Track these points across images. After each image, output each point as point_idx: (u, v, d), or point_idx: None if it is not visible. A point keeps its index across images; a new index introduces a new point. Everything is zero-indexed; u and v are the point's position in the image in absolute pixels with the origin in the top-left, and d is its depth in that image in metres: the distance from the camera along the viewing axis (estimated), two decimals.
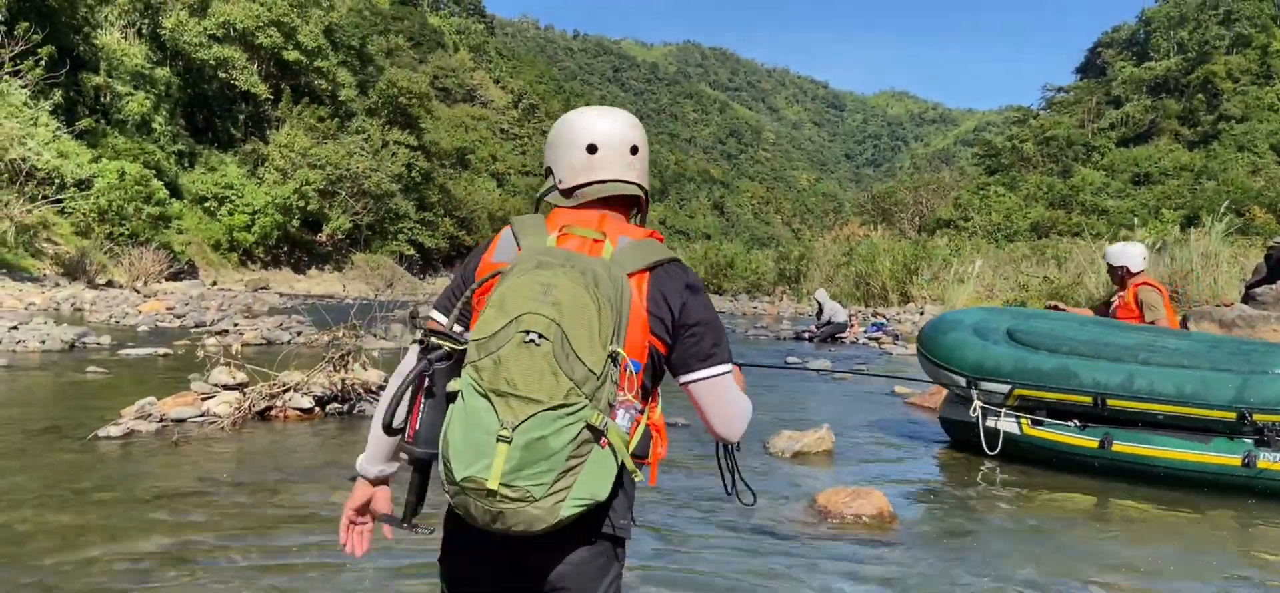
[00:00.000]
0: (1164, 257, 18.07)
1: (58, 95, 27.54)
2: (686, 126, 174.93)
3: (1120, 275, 6.01)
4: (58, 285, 20.60)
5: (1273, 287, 10.79)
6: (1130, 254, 6.02)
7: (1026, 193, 66.04)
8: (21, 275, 21.22)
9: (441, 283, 46.44)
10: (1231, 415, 4.36)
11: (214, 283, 29.33)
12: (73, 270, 23.70)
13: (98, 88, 31.45)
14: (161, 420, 5.17)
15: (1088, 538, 3.72)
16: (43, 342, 8.98)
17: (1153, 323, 5.65)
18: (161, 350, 8.99)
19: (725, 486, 1.88)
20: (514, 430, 1.34)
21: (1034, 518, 4.03)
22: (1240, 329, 9.12)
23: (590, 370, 1.37)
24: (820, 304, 15.28)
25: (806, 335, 14.82)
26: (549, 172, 1.67)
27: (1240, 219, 33.39)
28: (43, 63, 26.52)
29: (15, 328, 9.55)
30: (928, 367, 5.44)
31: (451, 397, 1.40)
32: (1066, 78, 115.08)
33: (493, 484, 1.34)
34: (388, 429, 1.48)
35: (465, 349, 1.41)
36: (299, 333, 11.18)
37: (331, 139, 41.18)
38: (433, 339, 1.46)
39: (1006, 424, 5.00)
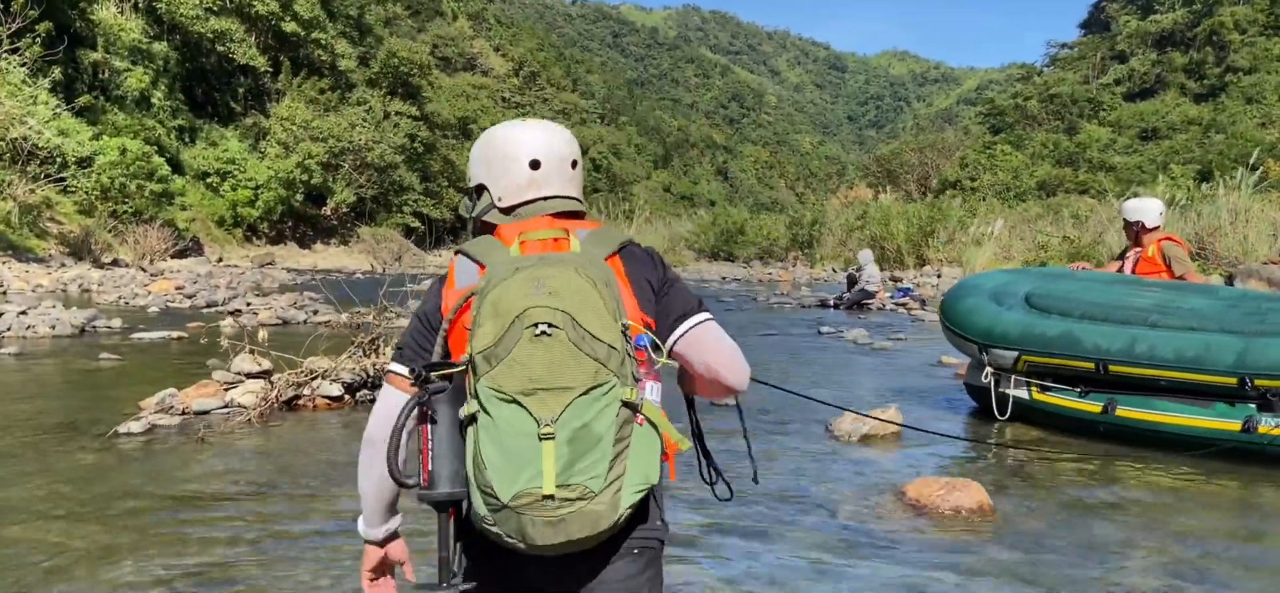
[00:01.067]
0: (1189, 213, 17.71)
1: (56, 72, 27.12)
2: (688, 91, 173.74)
3: (1136, 231, 5.90)
4: (64, 266, 20.33)
5: None
6: (1147, 209, 5.91)
7: (1033, 151, 65.33)
8: (27, 256, 20.94)
9: (447, 256, 46.12)
10: (1232, 381, 4.26)
11: (220, 259, 29.05)
12: (77, 250, 23.42)
13: (96, 64, 30.98)
14: (184, 413, 4.89)
15: (1207, 525, 3.42)
16: (53, 327, 8.69)
17: (1181, 278, 5.57)
18: (175, 334, 8.70)
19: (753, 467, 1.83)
20: (555, 424, 1.27)
21: (1142, 503, 3.74)
22: None
23: (610, 346, 1.32)
24: (861, 267, 14.30)
25: (832, 303, 14.35)
26: (480, 189, 1.60)
27: (1254, 173, 32.92)
28: (40, 39, 26.07)
29: (24, 313, 9.25)
30: (947, 334, 5.43)
31: (465, 424, 1.31)
32: (1070, 33, 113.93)
33: (548, 489, 1.26)
34: (397, 480, 1.35)
35: (461, 371, 1.33)
36: (315, 311, 10.90)
37: (333, 111, 40.73)
38: (428, 374, 1.33)
39: (1018, 391, 5.03)
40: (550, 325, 1.30)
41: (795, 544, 3.11)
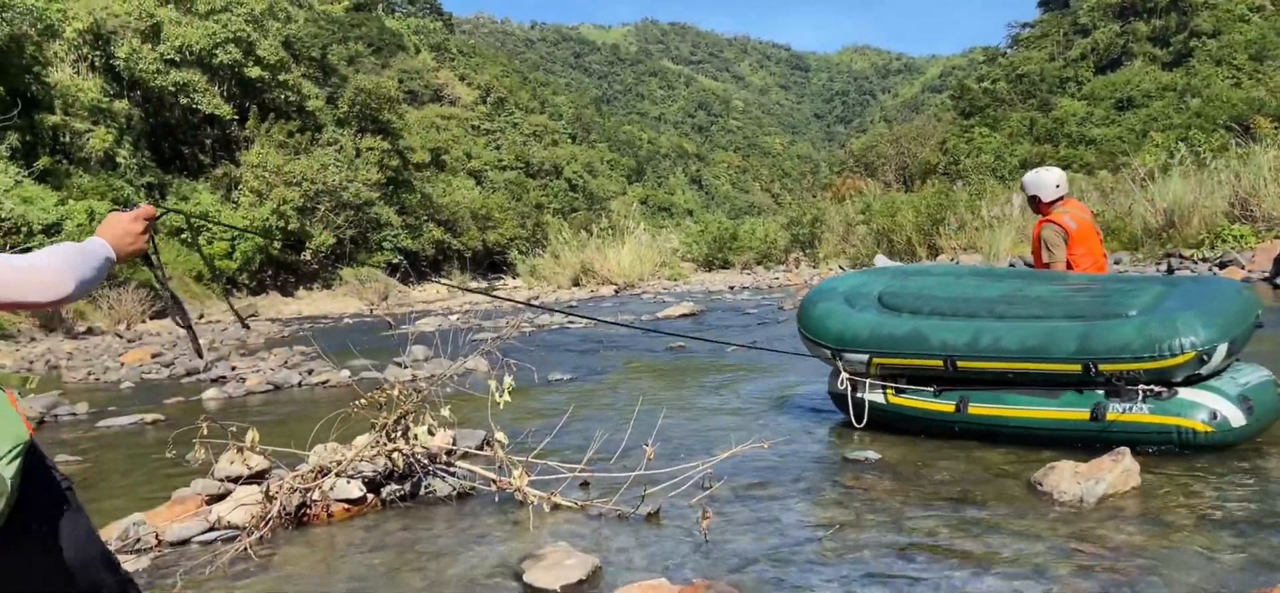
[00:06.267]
0: (1223, 175, 16.77)
1: (13, 138, 25.91)
2: (655, 104, 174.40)
3: (1037, 206, 5.48)
4: (33, 340, 18.99)
5: None
6: (1042, 182, 5.49)
7: (1010, 131, 65.27)
8: None
9: (432, 290, 44.83)
10: (1077, 367, 4.14)
11: (201, 316, 27.69)
12: (50, 320, 22.05)
13: (55, 127, 29.70)
14: (157, 544, 3.67)
15: None
16: None
17: (1048, 265, 5.32)
18: (150, 417, 7.44)
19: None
20: None
21: None
22: None
23: None
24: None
25: None
26: None
27: (1241, 133, 32.16)
28: None
29: None
30: (804, 341, 5.31)
31: None
32: (1029, 12, 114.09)
33: None
34: None
35: None
36: (310, 371, 9.65)
37: (304, 153, 39.45)
38: None
39: (873, 395, 4.93)
40: None
41: None
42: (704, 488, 3.75)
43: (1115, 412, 4.07)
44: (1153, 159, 20.47)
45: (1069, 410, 4.20)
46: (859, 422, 4.90)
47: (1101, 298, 4.35)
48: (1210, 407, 3.95)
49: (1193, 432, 3.95)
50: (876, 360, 4.80)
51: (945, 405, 4.60)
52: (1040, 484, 3.60)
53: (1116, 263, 17.36)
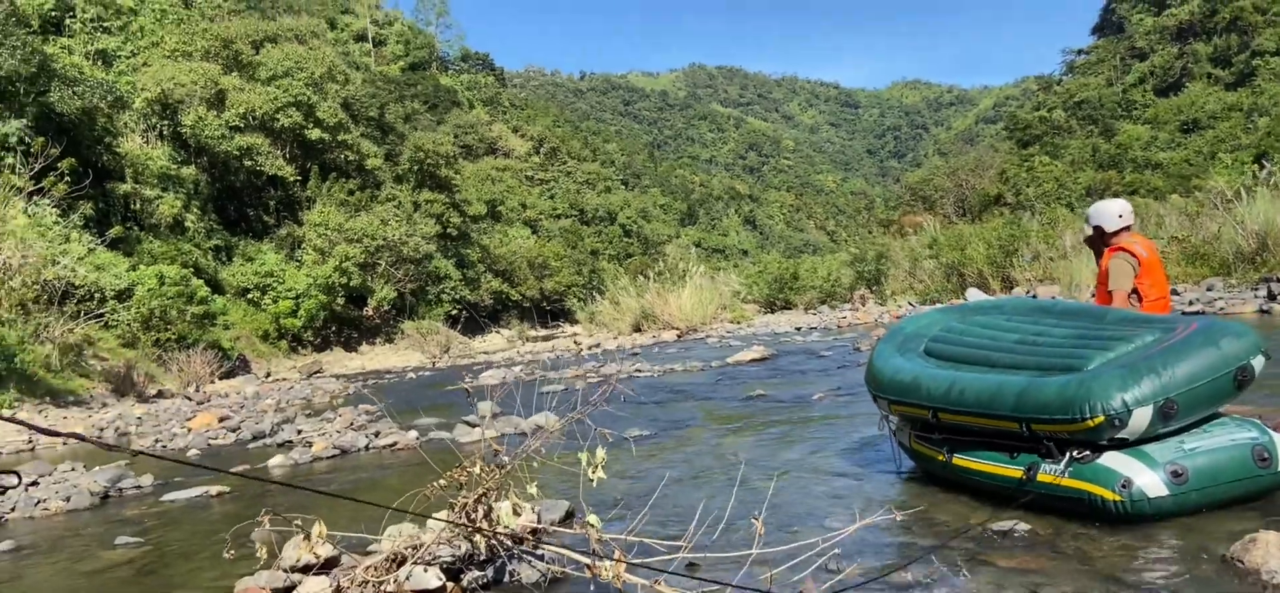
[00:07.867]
0: None
1: (86, 207, 26.63)
2: (705, 147, 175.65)
3: (1101, 238, 5.10)
4: (105, 405, 19.13)
5: None
6: (1104, 212, 5.14)
7: (1071, 159, 64.10)
8: (65, 399, 19.77)
9: (493, 340, 44.92)
10: (1015, 425, 3.95)
11: (268, 374, 27.95)
12: (121, 385, 22.34)
13: (126, 195, 30.54)
14: None
15: None
16: (67, 499, 7.13)
17: (1110, 295, 4.98)
18: (215, 489, 7.18)
19: None
20: None
21: None
22: None
23: None
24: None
25: None
26: None
27: None
28: (66, 177, 25.53)
29: (35, 483, 7.77)
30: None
31: None
32: (1082, 39, 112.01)
33: None
34: None
35: None
36: (377, 433, 9.36)
37: (364, 211, 40.08)
38: None
39: (902, 438, 4.99)
40: None
41: None
42: (830, 570, 3.27)
43: (1045, 473, 3.85)
44: (1225, 181, 19.61)
45: (1012, 468, 4.04)
46: (898, 466, 5.14)
47: (1082, 344, 4.07)
48: (1125, 475, 3.56)
49: (1102, 500, 3.61)
50: (893, 407, 4.80)
51: (938, 454, 4.51)
52: (1239, 560, 3.03)
53: (1209, 290, 16.46)
